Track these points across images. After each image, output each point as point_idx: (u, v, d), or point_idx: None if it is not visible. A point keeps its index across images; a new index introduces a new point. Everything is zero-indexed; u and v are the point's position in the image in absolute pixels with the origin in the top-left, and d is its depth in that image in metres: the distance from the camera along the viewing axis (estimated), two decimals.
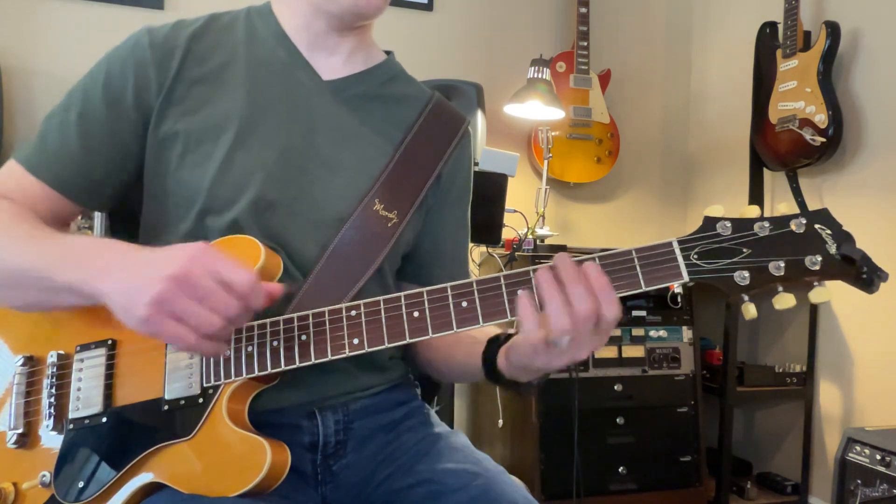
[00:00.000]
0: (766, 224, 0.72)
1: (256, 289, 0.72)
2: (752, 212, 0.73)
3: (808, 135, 2.30)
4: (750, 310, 0.73)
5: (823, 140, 2.27)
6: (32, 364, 0.87)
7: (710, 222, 0.73)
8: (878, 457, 1.81)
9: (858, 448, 1.87)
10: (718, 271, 0.72)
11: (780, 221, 0.72)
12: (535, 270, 0.73)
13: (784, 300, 0.72)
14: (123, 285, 0.73)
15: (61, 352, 0.86)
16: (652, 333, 2.39)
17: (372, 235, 0.93)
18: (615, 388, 2.32)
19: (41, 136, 0.91)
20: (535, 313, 0.71)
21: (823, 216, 0.72)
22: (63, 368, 0.85)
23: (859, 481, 1.85)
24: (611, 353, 2.34)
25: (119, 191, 0.95)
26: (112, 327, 0.85)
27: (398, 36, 2.75)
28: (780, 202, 2.63)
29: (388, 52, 1.07)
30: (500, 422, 2.41)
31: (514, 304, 0.74)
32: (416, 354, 1.04)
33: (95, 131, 0.90)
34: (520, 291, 0.72)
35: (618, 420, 2.31)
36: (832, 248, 0.70)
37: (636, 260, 0.73)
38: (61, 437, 0.83)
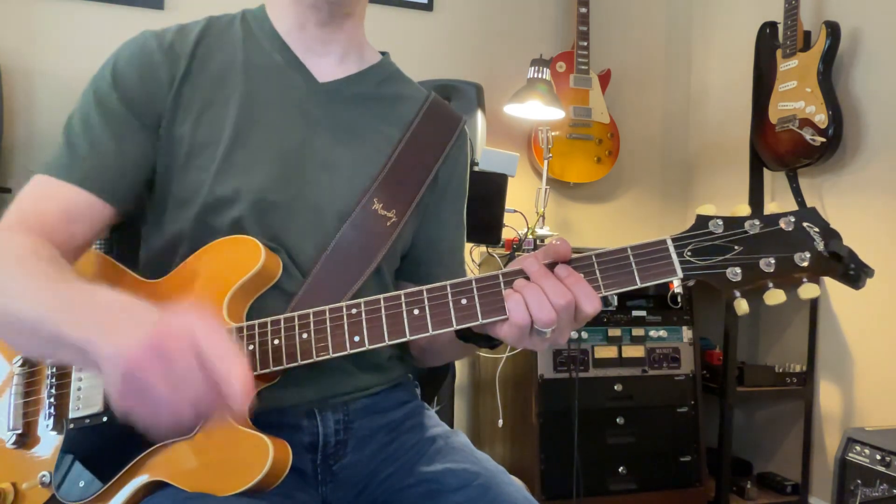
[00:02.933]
0: (757, 222, 0.74)
1: (245, 390, 0.62)
2: (744, 210, 0.75)
3: (808, 135, 2.30)
4: (742, 305, 0.74)
5: (823, 140, 2.27)
6: (31, 364, 0.87)
7: (702, 220, 0.75)
8: (878, 457, 1.81)
9: (858, 448, 1.87)
10: (711, 268, 0.74)
11: (770, 219, 0.74)
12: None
13: (775, 296, 0.74)
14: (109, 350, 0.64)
15: None
16: (652, 333, 2.38)
17: (371, 234, 0.94)
18: (615, 388, 2.32)
19: (69, 145, 0.88)
20: (525, 306, 0.74)
21: (811, 214, 0.74)
22: (63, 368, 0.85)
23: (859, 481, 1.85)
24: (611, 353, 2.34)
25: (143, 190, 0.94)
26: None
27: (398, 36, 2.75)
28: (779, 202, 2.63)
29: (383, 53, 1.07)
30: (500, 422, 2.41)
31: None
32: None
33: (123, 131, 0.89)
34: (505, 290, 0.75)
35: (618, 420, 2.31)
36: (820, 245, 0.73)
37: (631, 257, 0.75)
38: (61, 437, 0.83)
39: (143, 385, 0.62)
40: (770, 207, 0.75)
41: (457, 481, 0.88)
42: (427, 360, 1.07)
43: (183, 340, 0.62)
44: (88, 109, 0.90)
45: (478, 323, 0.77)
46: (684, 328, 2.42)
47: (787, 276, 0.73)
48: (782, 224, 0.73)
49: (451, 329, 0.77)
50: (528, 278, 0.75)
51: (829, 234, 0.73)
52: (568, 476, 2.21)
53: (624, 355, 2.35)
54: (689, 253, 0.74)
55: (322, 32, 0.97)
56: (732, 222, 0.74)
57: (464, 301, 0.77)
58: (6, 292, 0.75)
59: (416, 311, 0.78)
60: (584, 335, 2.31)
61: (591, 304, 0.73)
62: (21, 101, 2.41)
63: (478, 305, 0.76)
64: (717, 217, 0.75)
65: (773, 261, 0.73)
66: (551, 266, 0.75)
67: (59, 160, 0.87)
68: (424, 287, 0.78)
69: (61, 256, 0.80)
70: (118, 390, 0.63)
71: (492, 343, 0.83)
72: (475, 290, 0.77)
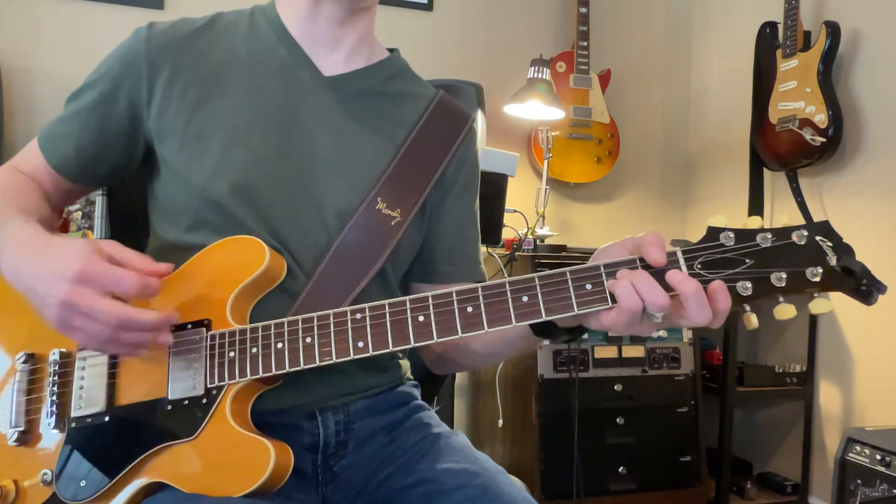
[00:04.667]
0: (769, 235, 0.72)
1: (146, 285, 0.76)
2: (755, 222, 0.74)
3: (808, 135, 2.31)
4: (752, 320, 0.73)
5: (823, 140, 2.27)
6: (34, 362, 0.87)
7: (713, 232, 0.74)
8: (878, 457, 1.82)
9: (858, 448, 1.88)
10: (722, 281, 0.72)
11: (783, 233, 0.72)
12: (612, 271, 0.74)
13: (785, 311, 0.72)
14: (33, 284, 0.76)
15: (63, 350, 0.86)
16: (652, 333, 2.38)
17: (375, 234, 0.93)
18: (615, 388, 2.32)
19: (58, 117, 0.97)
20: (633, 288, 0.72)
21: (824, 228, 0.72)
22: (65, 367, 0.85)
23: (859, 481, 1.86)
24: (611, 353, 2.34)
25: (111, 171, 0.98)
26: None
27: (398, 36, 2.75)
28: (780, 203, 2.63)
29: (392, 50, 1.06)
30: (500, 422, 2.41)
31: (521, 310, 0.76)
32: (430, 349, 1.05)
33: (89, 121, 0.94)
34: (608, 281, 0.74)
35: (618, 420, 2.31)
36: (833, 260, 0.71)
37: (641, 269, 0.73)
38: (63, 436, 0.83)
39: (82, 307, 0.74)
40: (782, 219, 0.73)
41: (456, 481, 0.87)
42: (469, 357, 1.02)
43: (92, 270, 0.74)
44: (81, 92, 0.96)
45: (483, 331, 0.76)
46: (684, 328, 2.42)
47: (799, 290, 0.71)
48: (795, 237, 0.72)
49: (459, 335, 0.76)
50: (533, 287, 0.75)
51: (842, 249, 0.71)
52: (568, 476, 2.21)
53: (624, 355, 2.35)
54: (699, 265, 0.73)
55: (334, 29, 0.97)
56: (744, 235, 0.73)
57: (469, 309, 0.76)
58: None
59: (420, 318, 0.77)
60: (584, 335, 2.30)
61: (717, 323, 0.72)
62: (21, 100, 2.41)
63: (483, 314, 0.76)
64: (729, 229, 0.73)
65: (784, 275, 0.71)
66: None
67: (45, 130, 0.97)
68: (430, 293, 0.78)
69: (37, 195, 0.94)
70: (55, 317, 0.76)
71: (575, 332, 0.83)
72: (481, 297, 0.76)
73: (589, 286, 0.74)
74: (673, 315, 0.73)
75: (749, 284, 0.72)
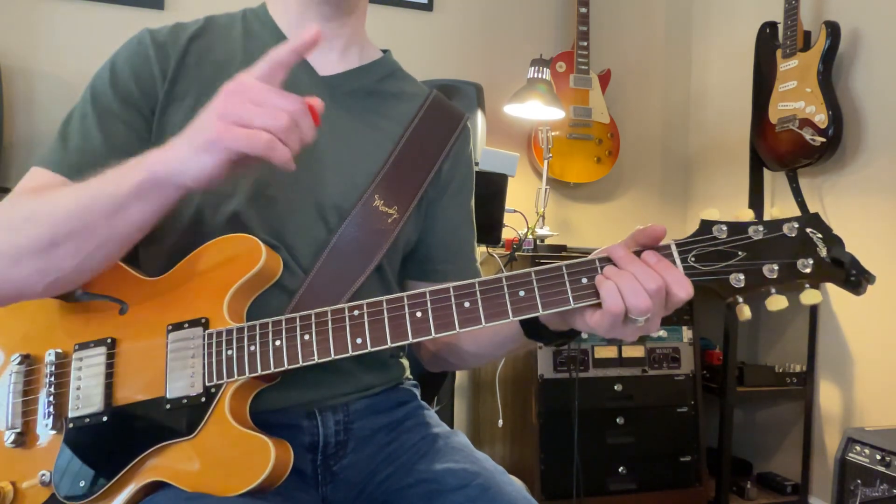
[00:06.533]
0: (761, 228, 0.74)
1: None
2: (747, 215, 0.75)
3: (808, 135, 2.31)
4: (744, 311, 0.74)
5: (823, 140, 2.27)
6: (29, 363, 0.87)
7: (706, 225, 0.75)
8: (878, 457, 1.81)
9: (858, 448, 1.88)
10: (715, 273, 0.74)
11: (774, 225, 0.74)
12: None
13: (777, 302, 0.74)
14: (185, 141, 0.75)
15: (59, 350, 0.86)
16: (652, 333, 2.38)
17: (372, 232, 0.93)
18: (615, 388, 2.32)
19: (62, 138, 0.90)
20: (619, 293, 0.72)
21: (815, 220, 0.74)
22: (61, 367, 0.85)
23: (859, 481, 1.85)
24: (611, 353, 2.34)
25: None
26: (111, 326, 0.85)
27: (398, 36, 2.75)
28: (780, 202, 2.63)
29: (384, 51, 1.08)
30: (500, 422, 2.41)
31: (518, 304, 0.76)
32: (425, 347, 1.05)
33: (115, 128, 0.90)
34: (597, 278, 0.74)
35: (618, 420, 2.31)
36: (823, 252, 0.73)
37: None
38: (61, 436, 0.83)
39: (240, 113, 0.72)
40: (772, 213, 0.75)
41: (456, 481, 0.88)
42: (462, 357, 1.02)
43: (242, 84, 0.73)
44: (85, 106, 0.91)
45: (481, 326, 0.76)
46: (684, 328, 2.42)
47: (790, 282, 0.73)
48: (786, 230, 0.73)
49: (457, 330, 0.76)
50: (530, 283, 0.75)
51: (832, 240, 0.73)
52: (568, 476, 2.21)
53: (624, 355, 2.35)
54: (692, 258, 0.74)
55: (325, 28, 0.97)
56: (736, 228, 0.74)
57: (466, 304, 0.76)
58: (62, 204, 0.78)
59: (418, 314, 0.77)
60: (585, 335, 2.30)
61: (683, 290, 0.72)
62: (21, 101, 2.41)
63: (481, 308, 0.76)
64: (721, 222, 0.75)
65: (776, 267, 0.73)
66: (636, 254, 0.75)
67: (52, 153, 0.89)
68: (427, 289, 0.78)
69: None
70: (211, 138, 0.73)
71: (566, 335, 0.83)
72: (478, 292, 0.76)
73: (584, 280, 0.75)
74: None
75: (742, 276, 0.73)
